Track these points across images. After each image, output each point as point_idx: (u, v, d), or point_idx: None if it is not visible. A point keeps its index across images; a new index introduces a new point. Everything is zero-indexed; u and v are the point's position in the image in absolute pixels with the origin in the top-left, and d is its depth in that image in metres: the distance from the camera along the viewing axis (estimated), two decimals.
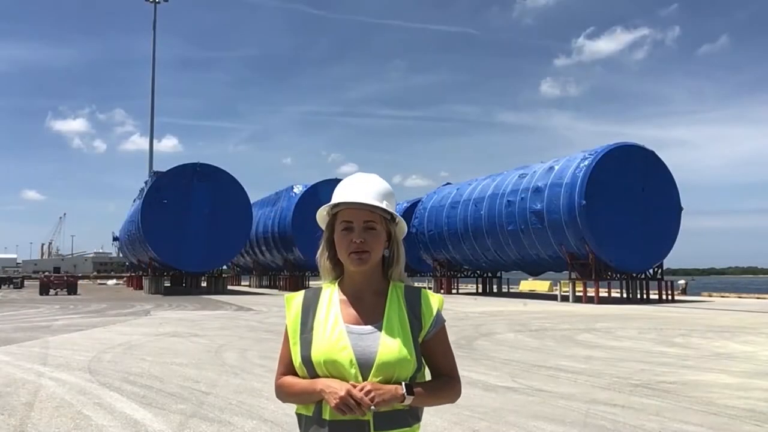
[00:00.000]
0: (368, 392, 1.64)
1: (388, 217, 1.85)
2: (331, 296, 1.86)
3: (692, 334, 14.25)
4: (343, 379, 1.71)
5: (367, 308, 1.81)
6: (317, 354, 1.74)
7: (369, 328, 1.78)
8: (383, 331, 1.76)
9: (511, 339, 13.36)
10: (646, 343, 12.51)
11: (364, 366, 1.71)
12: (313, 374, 1.75)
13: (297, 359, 1.79)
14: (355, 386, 1.66)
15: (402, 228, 1.90)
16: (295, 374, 1.82)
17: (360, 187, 1.83)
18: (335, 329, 1.77)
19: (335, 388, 1.67)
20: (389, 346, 1.73)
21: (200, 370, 8.97)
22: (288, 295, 1.90)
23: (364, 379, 1.70)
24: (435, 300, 1.86)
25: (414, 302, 1.84)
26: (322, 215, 1.90)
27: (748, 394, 7.27)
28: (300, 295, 1.90)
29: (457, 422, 5.85)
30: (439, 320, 1.85)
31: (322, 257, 1.91)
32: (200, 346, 11.88)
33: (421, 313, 1.82)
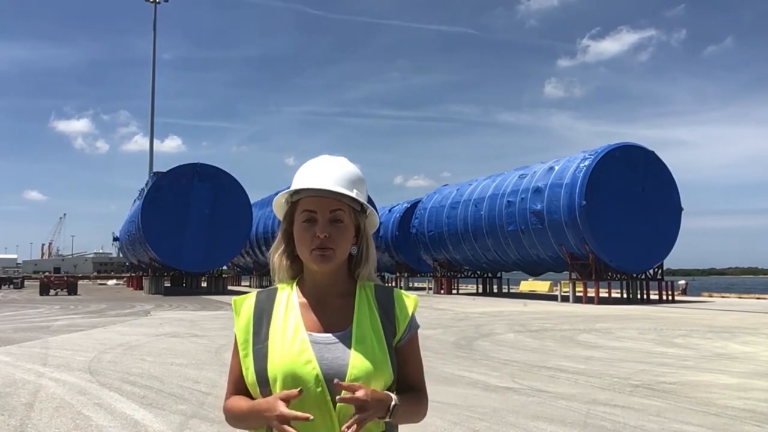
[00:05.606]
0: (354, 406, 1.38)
1: (357, 208, 1.57)
2: (288, 299, 1.57)
3: (692, 335, 14.24)
4: (308, 398, 1.42)
5: (333, 313, 1.54)
6: (274, 368, 1.45)
7: (336, 336, 1.50)
8: (353, 339, 1.49)
9: (512, 339, 13.35)
10: (646, 344, 12.50)
11: (333, 382, 1.42)
12: (268, 393, 1.45)
13: (250, 375, 1.50)
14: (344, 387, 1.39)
15: (373, 221, 1.62)
16: (248, 393, 1.52)
17: (325, 172, 1.54)
18: (296, 338, 1.48)
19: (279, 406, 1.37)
20: (362, 357, 1.47)
21: (200, 370, 8.97)
22: (236, 298, 1.60)
23: (332, 397, 1.42)
24: (410, 301, 1.61)
25: (387, 303, 1.58)
26: (279, 203, 1.60)
27: (748, 395, 7.27)
28: (251, 297, 1.60)
29: (457, 422, 5.85)
30: (413, 325, 1.60)
31: (276, 253, 1.61)
32: (200, 346, 11.87)
33: (395, 316, 1.57)
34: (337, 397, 1.39)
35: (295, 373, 1.44)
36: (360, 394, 1.37)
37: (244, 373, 1.53)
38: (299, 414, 1.36)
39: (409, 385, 1.60)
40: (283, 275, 1.62)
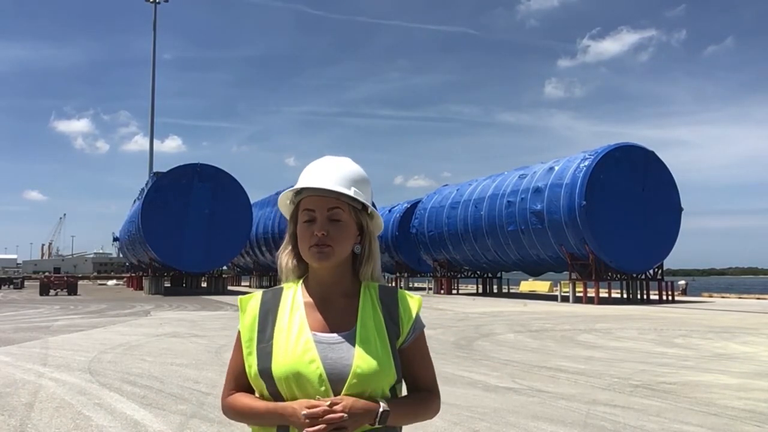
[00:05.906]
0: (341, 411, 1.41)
1: (358, 207, 1.59)
2: (294, 298, 1.59)
3: (692, 335, 14.24)
4: (310, 397, 1.45)
5: (337, 312, 1.56)
6: (279, 367, 1.48)
7: (340, 335, 1.52)
8: (357, 339, 1.51)
9: (512, 339, 13.35)
10: (646, 344, 12.50)
11: (336, 382, 1.46)
12: (273, 389, 1.49)
13: (252, 372, 1.52)
14: (330, 402, 1.42)
15: (378, 223, 1.65)
16: (248, 389, 1.56)
17: (324, 171, 1.57)
18: (300, 338, 1.51)
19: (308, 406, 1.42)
20: (366, 357, 1.48)
21: (200, 370, 8.97)
22: (242, 297, 1.63)
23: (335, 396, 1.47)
24: (414, 302, 1.62)
25: (390, 304, 1.60)
26: (284, 204, 1.64)
27: (749, 395, 7.27)
28: (257, 297, 1.63)
29: (457, 422, 5.85)
30: (418, 325, 1.62)
31: (283, 253, 1.64)
32: (200, 346, 11.87)
33: (399, 317, 1.59)
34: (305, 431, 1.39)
35: (299, 372, 1.47)
36: (338, 408, 1.40)
37: (246, 371, 1.55)
38: (334, 416, 1.39)
39: (418, 386, 1.62)
40: (289, 275, 1.64)
